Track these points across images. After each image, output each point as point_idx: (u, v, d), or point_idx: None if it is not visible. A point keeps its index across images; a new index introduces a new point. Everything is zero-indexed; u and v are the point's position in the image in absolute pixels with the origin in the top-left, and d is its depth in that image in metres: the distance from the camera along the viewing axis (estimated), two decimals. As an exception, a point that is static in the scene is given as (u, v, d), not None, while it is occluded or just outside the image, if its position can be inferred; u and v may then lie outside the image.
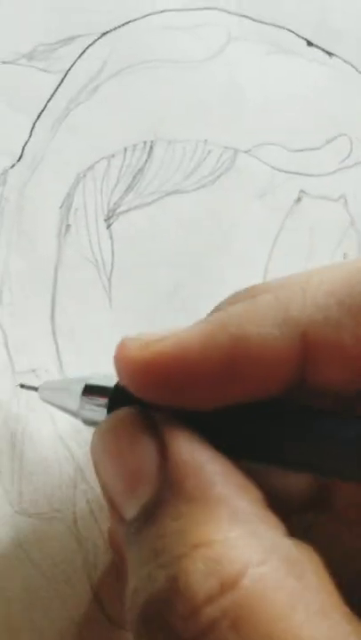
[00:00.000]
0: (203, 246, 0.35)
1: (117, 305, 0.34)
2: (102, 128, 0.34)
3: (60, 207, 0.33)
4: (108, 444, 0.24)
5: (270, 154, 0.36)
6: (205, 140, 0.35)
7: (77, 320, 0.33)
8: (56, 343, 0.32)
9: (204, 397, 0.23)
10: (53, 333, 0.32)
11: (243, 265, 0.35)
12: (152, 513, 0.22)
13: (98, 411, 0.27)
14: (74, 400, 0.27)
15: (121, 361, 0.24)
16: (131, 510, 0.23)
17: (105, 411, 0.26)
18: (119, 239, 0.34)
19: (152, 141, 0.34)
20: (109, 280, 0.33)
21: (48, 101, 0.33)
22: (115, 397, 0.26)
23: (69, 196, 0.33)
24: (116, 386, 0.26)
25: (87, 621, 0.32)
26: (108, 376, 0.27)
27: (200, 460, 0.22)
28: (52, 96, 0.33)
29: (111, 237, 0.33)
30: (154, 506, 0.22)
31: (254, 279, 0.36)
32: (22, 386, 0.31)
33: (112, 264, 0.33)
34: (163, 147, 0.34)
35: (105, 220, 0.33)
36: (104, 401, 0.27)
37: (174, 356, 0.22)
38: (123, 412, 0.24)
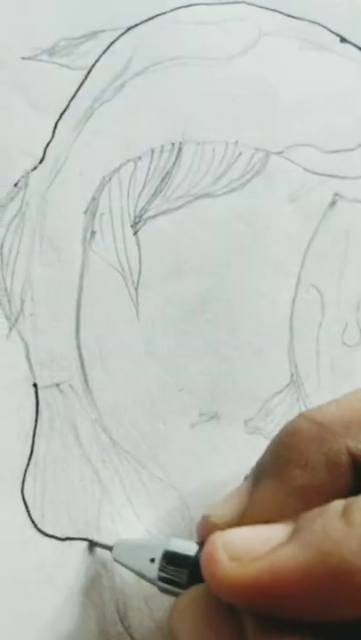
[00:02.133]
0: (233, 253, 0.34)
1: (145, 316, 0.32)
2: (128, 128, 0.32)
3: (85, 212, 0.31)
4: (188, 623, 0.24)
5: (303, 155, 0.35)
6: (236, 142, 0.34)
7: (103, 332, 0.32)
8: (81, 356, 0.31)
9: (296, 618, 0.22)
10: (78, 346, 0.31)
11: (275, 273, 0.34)
12: None
13: (176, 579, 0.26)
14: (151, 568, 0.27)
15: (212, 577, 0.23)
16: None
17: (184, 578, 0.26)
18: (146, 246, 0.32)
19: (180, 143, 0.33)
20: (136, 289, 0.32)
21: (71, 100, 0.32)
22: (195, 570, 0.26)
23: (94, 201, 0.32)
24: (197, 558, 0.26)
25: (114, 651, 0.30)
26: (186, 544, 0.27)
27: None
28: (74, 94, 0.32)
29: (138, 244, 0.32)
30: None
31: (287, 289, 0.35)
32: (93, 544, 0.31)
33: (139, 272, 0.32)
34: (191, 148, 0.33)
35: (132, 226, 0.32)
36: (183, 571, 0.26)
37: (269, 584, 0.22)
38: (203, 592, 0.24)
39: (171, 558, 0.26)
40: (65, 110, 0.32)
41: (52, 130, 0.31)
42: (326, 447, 0.25)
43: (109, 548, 0.29)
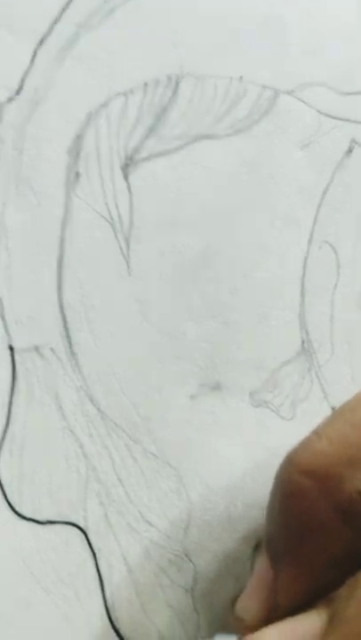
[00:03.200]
0: (237, 203, 0.30)
1: (137, 272, 0.29)
2: (118, 58, 0.29)
3: (68, 152, 0.28)
4: None
5: (317, 96, 0.31)
6: (241, 78, 0.30)
7: (89, 289, 0.28)
8: (64, 316, 0.28)
9: None
10: (60, 305, 0.28)
11: (284, 227, 0.30)
12: None
13: None
14: None
15: None
16: None
17: None
18: (139, 192, 0.29)
19: (178, 76, 0.29)
20: (127, 242, 0.28)
21: (54, 24, 0.28)
22: None
23: (79, 139, 0.28)
24: None
25: (100, 649, 0.27)
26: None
27: None
28: (58, 18, 0.28)
29: (129, 190, 0.28)
30: None
31: (298, 245, 0.31)
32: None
33: (130, 222, 0.28)
34: (190, 83, 0.29)
35: (122, 169, 0.28)
36: None
37: None
38: None
39: None
40: (46, 36, 0.28)
41: (30, 57, 0.28)
42: (336, 500, 0.22)
43: None
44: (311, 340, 0.32)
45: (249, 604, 0.25)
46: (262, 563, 0.25)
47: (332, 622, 0.21)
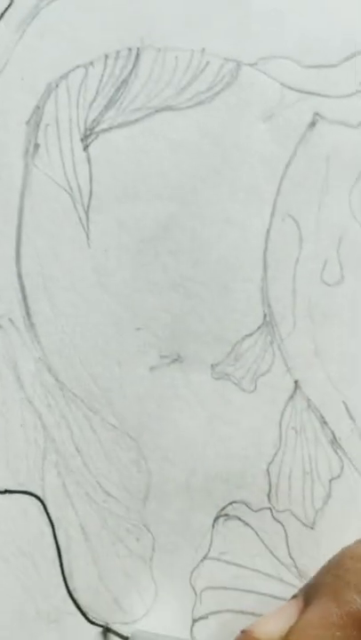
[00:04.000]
0: (198, 175, 0.30)
1: (96, 243, 0.29)
2: (78, 30, 0.29)
3: (27, 122, 0.28)
4: None
5: (280, 68, 0.31)
6: (203, 50, 0.30)
7: (48, 260, 0.28)
8: (22, 287, 0.28)
9: None
10: (19, 275, 0.28)
11: (247, 199, 0.31)
12: None
13: None
14: None
15: None
16: None
17: None
18: (98, 163, 0.29)
19: (138, 48, 0.29)
20: (87, 212, 0.29)
21: (13, -4, 0.28)
22: None
23: (38, 110, 0.28)
24: None
25: (57, 614, 0.27)
26: None
27: None
28: (18, -11, 0.28)
29: (89, 161, 0.29)
30: None
31: (260, 217, 0.31)
32: (108, 630, 0.28)
33: (90, 193, 0.29)
34: (151, 55, 0.29)
35: (81, 140, 0.28)
36: None
37: None
38: None
39: None
40: (7, 9, 0.28)
41: (-10, 28, 0.28)
42: None
43: (125, 639, 0.28)
44: (273, 313, 0.32)
45: (268, 627, 0.26)
46: (292, 600, 0.27)
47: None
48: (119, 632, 0.28)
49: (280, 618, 0.26)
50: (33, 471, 0.28)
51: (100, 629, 0.28)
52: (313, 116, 0.32)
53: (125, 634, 0.27)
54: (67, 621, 0.27)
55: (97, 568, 0.28)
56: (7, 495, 0.27)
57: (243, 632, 0.26)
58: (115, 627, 0.28)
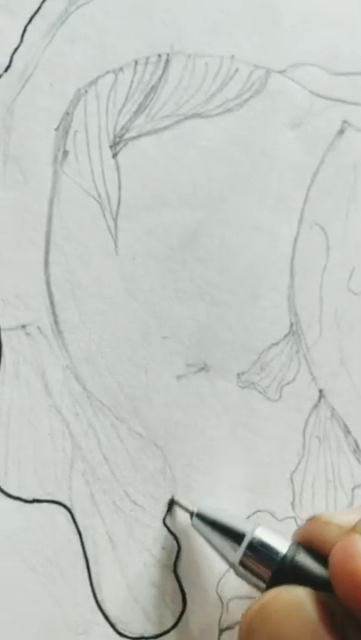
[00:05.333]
0: (227, 182, 0.30)
1: (124, 251, 0.29)
2: (108, 36, 0.29)
3: (57, 129, 0.28)
4: (277, 629, 0.23)
5: (309, 76, 0.31)
6: (232, 56, 0.30)
7: (76, 267, 0.28)
8: (50, 295, 0.28)
9: None
10: (47, 283, 0.28)
11: (276, 207, 0.31)
12: None
13: (259, 572, 0.26)
14: (234, 550, 0.27)
15: (350, 574, 0.23)
16: None
17: (267, 572, 0.26)
18: (127, 171, 0.29)
19: (168, 54, 0.29)
20: (115, 220, 0.29)
21: (43, 2, 0.28)
22: (286, 571, 0.26)
23: (67, 116, 0.28)
24: (287, 556, 0.26)
25: (85, 625, 0.27)
26: (278, 536, 0.27)
27: None
28: (48, -6, 0.28)
29: (118, 168, 0.29)
30: None
31: (288, 225, 0.31)
32: (173, 502, 0.29)
33: (119, 201, 0.29)
34: (181, 61, 0.30)
35: (110, 147, 0.29)
36: (269, 564, 0.26)
37: None
38: (309, 597, 0.23)
39: (258, 549, 0.26)
40: (36, 12, 0.28)
41: (20, 34, 0.28)
42: None
43: (190, 513, 0.28)
44: (300, 322, 0.32)
45: (344, 517, 0.26)
46: None
47: None
48: (184, 505, 0.29)
49: (351, 512, 0.26)
50: (61, 480, 0.28)
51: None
52: (341, 123, 0.32)
53: (191, 508, 0.28)
54: (95, 632, 0.28)
55: (125, 578, 0.28)
56: (35, 504, 0.28)
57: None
58: (181, 501, 0.29)
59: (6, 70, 0.28)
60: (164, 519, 0.29)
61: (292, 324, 0.32)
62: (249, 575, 0.26)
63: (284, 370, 0.32)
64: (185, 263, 0.30)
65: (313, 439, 0.32)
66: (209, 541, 0.28)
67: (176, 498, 0.29)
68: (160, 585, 0.29)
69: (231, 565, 0.27)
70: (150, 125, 0.29)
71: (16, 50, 0.28)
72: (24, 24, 0.28)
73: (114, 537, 0.28)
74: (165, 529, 0.29)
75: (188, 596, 0.29)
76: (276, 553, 0.26)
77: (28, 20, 0.28)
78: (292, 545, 0.26)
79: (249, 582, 0.27)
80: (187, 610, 0.29)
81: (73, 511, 0.28)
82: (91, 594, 0.28)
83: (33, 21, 0.28)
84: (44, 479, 0.28)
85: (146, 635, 0.28)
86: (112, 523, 0.28)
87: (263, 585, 0.26)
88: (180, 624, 0.29)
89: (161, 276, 0.30)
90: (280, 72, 0.31)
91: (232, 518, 0.28)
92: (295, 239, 0.32)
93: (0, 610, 0.27)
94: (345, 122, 0.32)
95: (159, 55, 0.30)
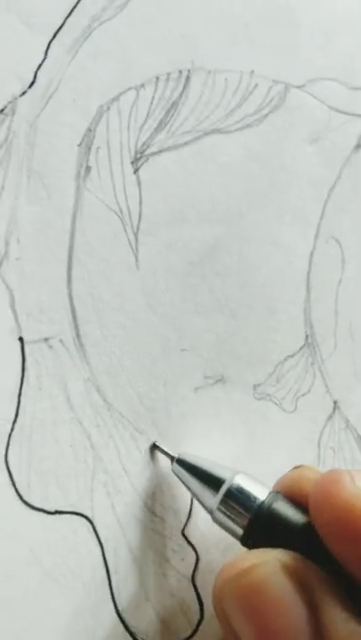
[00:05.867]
0: (245, 197, 0.31)
1: (145, 265, 0.29)
2: (130, 52, 0.29)
3: (79, 145, 0.28)
4: (250, 594, 0.23)
5: (327, 91, 0.32)
6: (252, 72, 0.31)
7: (98, 282, 0.29)
8: (73, 308, 0.28)
9: None
10: (70, 297, 0.28)
11: (293, 222, 0.31)
12: None
13: (236, 519, 0.26)
14: (213, 496, 0.27)
15: (334, 498, 0.23)
16: None
17: (244, 518, 0.26)
18: (148, 186, 0.29)
19: (189, 70, 0.30)
20: (136, 235, 0.29)
21: (67, 17, 0.29)
22: (263, 519, 0.26)
23: (90, 132, 0.29)
24: (265, 503, 0.26)
25: (106, 636, 0.28)
26: (258, 484, 0.27)
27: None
28: (71, 11, 0.29)
29: (139, 184, 0.29)
30: None
31: (305, 239, 0.32)
32: (155, 447, 0.30)
33: (140, 216, 0.29)
34: (201, 77, 0.30)
35: (132, 163, 0.29)
36: (247, 509, 0.26)
37: None
38: (269, 561, 0.23)
39: (237, 496, 0.26)
40: (60, 29, 0.29)
41: (44, 50, 0.28)
42: None
43: (171, 458, 0.29)
44: (315, 334, 0.33)
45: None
46: None
47: None
48: (166, 450, 0.29)
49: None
50: (82, 491, 0.29)
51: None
52: (359, 138, 0.33)
53: (172, 454, 0.29)
54: (115, 641, 0.28)
55: (144, 589, 0.29)
56: (57, 516, 0.28)
57: (295, 467, 0.27)
58: (163, 446, 0.29)
59: (30, 87, 0.28)
60: (182, 530, 0.30)
61: (307, 337, 0.32)
62: (227, 522, 0.26)
63: (300, 382, 0.32)
64: (204, 277, 0.31)
65: (328, 450, 0.33)
66: (188, 487, 0.28)
67: (157, 443, 0.29)
68: (179, 595, 0.30)
69: (209, 512, 0.27)
70: (171, 141, 0.30)
71: (40, 66, 0.28)
72: (48, 40, 0.28)
73: (134, 548, 0.29)
74: (184, 540, 0.30)
75: (205, 607, 0.30)
76: (255, 500, 0.26)
77: (52, 35, 0.29)
78: (271, 492, 0.26)
79: (227, 530, 0.27)
80: (204, 620, 0.30)
81: (94, 522, 0.29)
82: (111, 604, 0.29)
83: (57, 37, 0.29)
84: (66, 491, 0.28)
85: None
86: (132, 534, 0.29)
87: (240, 532, 0.26)
88: (198, 634, 0.29)
89: (181, 291, 0.30)
90: (299, 87, 0.32)
91: (213, 465, 0.28)
92: (311, 253, 0.33)
93: (22, 620, 0.27)
94: (362, 137, 0.33)
95: (180, 71, 0.30)
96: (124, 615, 0.29)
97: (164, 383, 0.30)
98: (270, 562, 0.23)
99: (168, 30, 0.30)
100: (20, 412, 0.28)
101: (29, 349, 0.28)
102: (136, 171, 0.30)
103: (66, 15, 0.29)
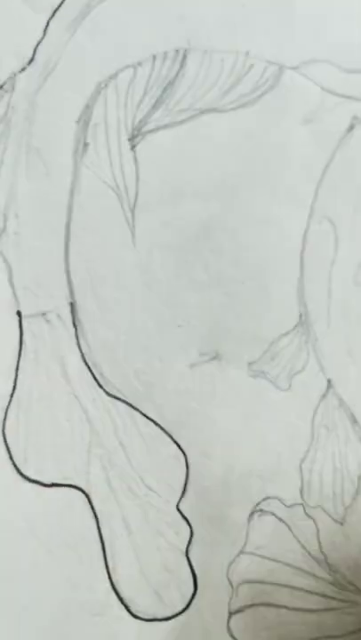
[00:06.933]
0: (240, 176, 0.32)
1: (141, 242, 0.30)
2: (128, 31, 0.30)
3: (77, 121, 0.29)
4: None
5: (321, 72, 0.33)
6: (247, 52, 0.31)
7: (95, 257, 0.29)
8: (70, 283, 0.29)
9: None
10: (67, 271, 0.29)
11: (286, 201, 0.32)
12: None
13: None
14: None
15: None
16: None
17: None
18: (145, 164, 0.30)
19: (185, 50, 0.31)
20: (132, 211, 0.30)
21: (65, -5, 0.29)
22: None
23: (88, 109, 0.29)
24: None
25: (100, 607, 0.29)
26: None
27: None
28: (70, -11, 0.29)
29: (136, 160, 0.30)
30: None
31: (298, 219, 0.33)
32: None
33: (136, 192, 0.30)
34: (197, 57, 0.31)
35: (129, 140, 0.30)
36: None
37: None
38: None
39: None
40: (59, 7, 0.29)
41: (43, 28, 0.29)
42: None
43: None
44: (309, 313, 0.33)
45: None
46: None
47: None
48: None
49: None
50: (78, 465, 0.29)
51: None
52: (351, 119, 0.33)
53: None
54: (110, 614, 0.29)
55: (138, 561, 0.29)
56: (54, 488, 0.29)
57: None
58: None
59: (29, 63, 0.29)
60: (177, 505, 0.30)
61: (301, 315, 0.33)
62: None
63: (294, 360, 0.33)
64: (199, 254, 0.31)
65: (321, 428, 0.33)
66: None
67: None
68: (172, 569, 0.30)
69: None
70: (168, 119, 0.31)
71: (39, 43, 0.29)
72: (47, 18, 0.29)
73: (129, 521, 0.30)
74: (179, 514, 0.30)
75: (199, 580, 0.30)
76: None
77: (51, 14, 0.29)
78: None
79: None
80: (198, 593, 0.30)
81: (90, 496, 0.29)
82: (106, 576, 0.29)
83: (56, 15, 0.29)
84: (63, 464, 0.29)
85: (158, 617, 0.29)
86: (127, 507, 0.30)
87: None
88: (192, 607, 0.30)
89: (176, 267, 0.31)
90: (293, 68, 0.33)
91: None
92: (305, 232, 0.33)
93: (18, 591, 0.28)
94: (355, 117, 0.34)
95: (177, 50, 0.31)
96: (118, 587, 0.29)
97: (160, 359, 0.31)
98: None
99: (165, 10, 0.31)
100: (18, 385, 0.29)
101: (27, 323, 0.29)
102: (133, 147, 0.30)
103: (64, -7, 0.29)
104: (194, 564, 0.30)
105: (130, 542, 0.30)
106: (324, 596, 0.30)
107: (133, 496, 0.30)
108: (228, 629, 0.30)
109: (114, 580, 0.29)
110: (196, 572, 0.30)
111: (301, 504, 0.32)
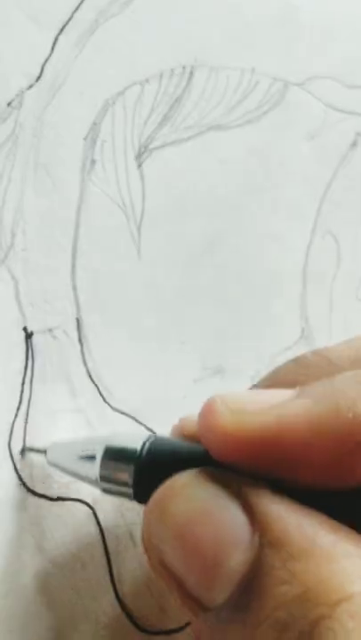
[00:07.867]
0: (244, 192, 0.32)
1: (147, 257, 0.31)
2: (136, 48, 0.30)
3: (85, 138, 0.30)
4: (174, 517, 0.21)
5: (325, 89, 0.33)
6: (253, 69, 0.32)
7: (101, 273, 0.30)
8: (77, 299, 0.30)
9: (306, 483, 0.20)
10: (74, 288, 0.30)
11: (289, 217, 0.33)
12: (251, 587, 0.19)
13: (120, 478, 0.24)
14: (91, 467, 0.25)
15: (210, 431, 0.22)
16: (218, 594, 0.19)
17: (130, 474, 0.24)
18: (151, 180, 0.31)
19: (192, 67, 0.31)
20: (139, 228, 0.31)
21: (74, 12, 0.30)
22: (146, 462, 0.24)
23: (95, 126, 0.30)
24: (144, 447, 0.24)
25: (107, 621, 0.29)
26: (132, 436, 0.24)
27: (296, 514, 0.20)
28: (78, 5, 0.30)
29: (142, 178, 0.31)
30: (252, 577, 0.19)
31: (301, 234, 0.33)
32: (26, 449, 0.29)
33: (142, 209, 0.31)
34: (204, 74, 0.31)
35: (136, 157, 0.30)
36: (128, 467, 0.24)
37: (277, 436, 0.20)
38: (187, 475, 0.21)
39: (114, 454, 0.24)
40: (67, 23, 0.30)
41: (51, 44, 0.29)
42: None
43: (43, 452, 0.27)
44: (310, 328, 0.34)
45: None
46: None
47: (305, 390, 0.21)
48: (36, 447, 0.28)
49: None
50: (83, 479, 0.30)
51: None
52: (355, 135, 0.34)
53: (43, 447, 0.28)
54: (115, 626, 0.30)
55: (144, 573, 0.30)
56: (59, 502, 0.29)
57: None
58: (34, 446, 0.28)
59: (37, 80, 0.29)
60: None
61: (303, 330, 0.34)
62: (114, 487, 0.24)
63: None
64: (203, 270, 0.32)
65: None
66: (69, 471, 0.26)
67: (28, 445, 0.28)
68: (176, 581, 0.31)
69: (95, 485, 0.25)
70: (174, 136, 0.31)
71: (47, 60, 0.29)
72: (55, 34, 0.30)
73: (135, 535, 0.30)
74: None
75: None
76: (134, 451, 0.24)
77: (59, 30, 0.30)
78: (147, 437, 0.24)
79: (119, 494, 0.25)
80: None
81: (95, 509, 0.30)
82: (111, 588, 0.30)
83: (64, 31, 0.30)
84: (68, 477, 0.30)
85: (163, 629, 0.30)
86: (132, 520, 0.30)
87: (130, 490, 0.24)
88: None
89: (180, 283, 0.32)
90: (298, 85, 0.33)
91: (84, 439, 0.27)
92: (308, 248, 0.34)
93: (22, 602, 0.29)
94: (358, 134, 0.35)
95: (183, 67, 0.32)
96: (123, 599, 0.30)
97: (164, 374, 0.31)
98: (183, 476, 0.21)
99: (172, 26, 0.32)
100: (24, 400, 0.29)
101: (33, 339, 0.30)
102: (140, 165, 0.31)
103: (73, 10, 0.30)
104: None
105: (135, 554, 0.30)
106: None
107: (139, 509, 0.30)
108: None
109: (119, 592, 0.30)
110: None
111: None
